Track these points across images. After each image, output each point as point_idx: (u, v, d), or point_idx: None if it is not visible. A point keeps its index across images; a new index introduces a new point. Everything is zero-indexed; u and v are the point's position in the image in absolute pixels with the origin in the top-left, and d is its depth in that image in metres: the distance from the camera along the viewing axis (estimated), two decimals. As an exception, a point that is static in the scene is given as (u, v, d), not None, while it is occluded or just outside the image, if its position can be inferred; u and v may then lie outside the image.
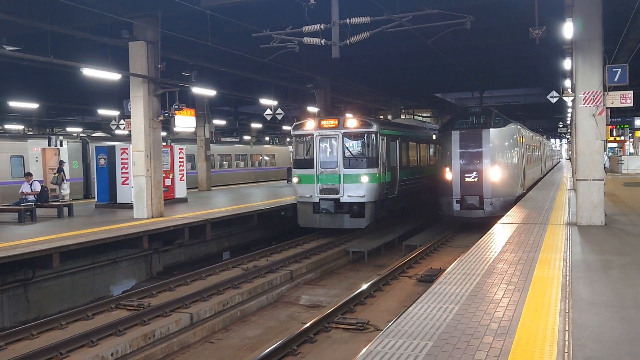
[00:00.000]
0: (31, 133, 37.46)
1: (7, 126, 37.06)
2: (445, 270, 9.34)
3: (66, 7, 14.80)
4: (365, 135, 18.69)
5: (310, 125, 19.17)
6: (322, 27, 13.14)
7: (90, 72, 16.36)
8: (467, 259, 9.51)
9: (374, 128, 18.71)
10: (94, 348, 9.13)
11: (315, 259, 16.04)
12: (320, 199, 18.68)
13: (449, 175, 19.78)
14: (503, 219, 14.67)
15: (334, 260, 16.69)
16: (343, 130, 18.57)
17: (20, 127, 40.24)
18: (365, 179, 18.23)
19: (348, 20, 12.89)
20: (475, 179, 19.27)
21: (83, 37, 17.91)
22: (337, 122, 18.76)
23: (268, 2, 16.06)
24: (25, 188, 18.98)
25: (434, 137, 26.87)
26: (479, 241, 11.29)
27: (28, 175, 19.94)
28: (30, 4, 16.13)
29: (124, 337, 9.60)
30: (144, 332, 9.85)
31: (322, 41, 13.22)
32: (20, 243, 12.73)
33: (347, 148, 18.76)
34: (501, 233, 12.23)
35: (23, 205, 17.90)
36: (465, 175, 19.39)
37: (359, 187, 18.26)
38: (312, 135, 18.92)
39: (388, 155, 19.71)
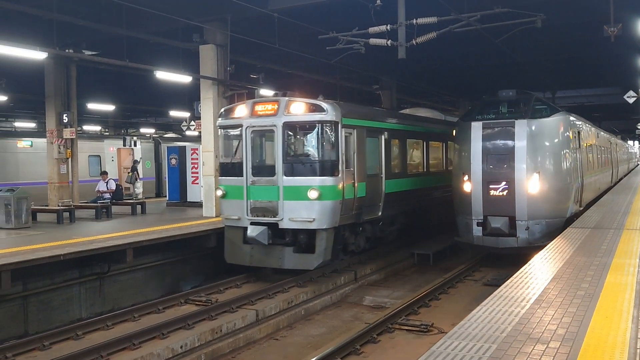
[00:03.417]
0: (107, 134, 39.09)
1: (85, 127, 38.83)
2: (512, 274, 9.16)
3: (140, 12, 15.42)
4: (318, 126, 12.74)
5: (240, 111, 13.46)
6: (388, 27, 13.16)
7: (163, 75, 16.98)
8: (535, 263, 9.29)
9: (331, 115, 12.64)
10: (164, 340, 9.49)
11: (380, 261, 16.01)
12: (251, 223, 13.01)
13: (467, 186, 14.17)
14: (576, 223, 13.92)
15: (399, 262, 16.61)
16: (284, 119, 12.73)
17: (98, 128, 42.06)
18: (314, 193, 12.36)
19: (414, 21, 12.87)
20: (505, 192, 13.74)
21: (156, 41, 18.60)
22: (276, 106, 12.89)
23: (334, 4, 16.18)
24: (102, 186, 19.88)
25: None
26: (548, 245, 11.00)
27: (104, 174, 20.88)
28: (108, 10, 16.89)
29: (193, 331, 9.93)
30: (211, 327, 10.16)
31: (388, 42, 13.24)
32: (97, 238, 13.36)
33: (289, 146, 13.22)
34: (572, 237, 11.87)
35: (99, 203, 18.77)
36: (490, 186, 13.86)
37: (307, 206, 12.49)
38: (242, 126, 13.33)
39: (361, 158, 13.77)
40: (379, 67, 26.41)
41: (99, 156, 26.78)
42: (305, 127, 13.15)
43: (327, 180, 12.61)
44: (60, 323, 11.65)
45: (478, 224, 14.03)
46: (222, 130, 14.06)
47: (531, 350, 5.24)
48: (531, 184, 13.59)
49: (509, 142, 13.81)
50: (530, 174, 13.58)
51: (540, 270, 8.73)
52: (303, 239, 12.87)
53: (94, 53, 20.16)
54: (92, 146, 26.90)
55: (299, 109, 12.77)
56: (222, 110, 14.23)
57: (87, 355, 8.68)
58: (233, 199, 13.32)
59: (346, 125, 13.11)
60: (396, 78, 29.73)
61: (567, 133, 14.74)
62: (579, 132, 16.33)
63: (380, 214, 14.92)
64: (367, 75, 27.73)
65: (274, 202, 12.78)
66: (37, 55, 14.93)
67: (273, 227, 12.83)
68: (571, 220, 14.19)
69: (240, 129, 13.32)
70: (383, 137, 15.17)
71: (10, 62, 19.13)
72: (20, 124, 39.30)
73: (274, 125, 12.85)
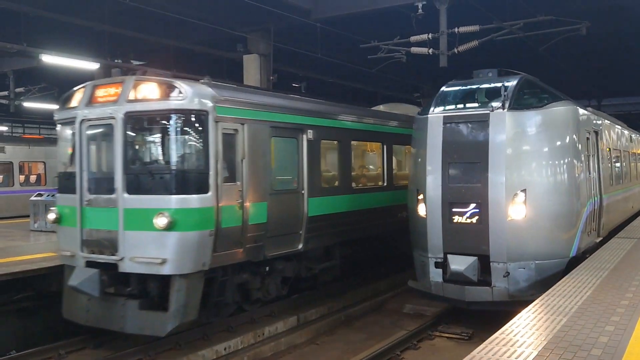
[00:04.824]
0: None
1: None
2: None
3: (186, 23, 15.88)
4: (174, 118, 8.89)
5: (77, 98, 9.72)
6: (429, 36, 13.26)
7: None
8: (579, 272, 9.20)
9: (193, 101, 8.82)
10: (207, 342, 9.73)
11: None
12: (86, 262, 9.17)
13: (421, 208, 10.30)
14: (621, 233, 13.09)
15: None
16: (126, 108, 8.97)
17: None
18: (163, 220, 8.51)
19: (456, 29, 12.94)
20: (474, 219, 9.69)
21: (201, 51, 19.07)
22: (119, 89, 9.12)
23: (376, 14, 16.34)
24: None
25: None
26: (592, 255, 10.85)
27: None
28: (155, 21, 17.43)
29: (235, 334, 10.14)
30: (254, 330, 10.36)
31: (430, 50, 13.33)
32: None
33: (134, 149, 9.55)
34: (618, 246, 11.67)
35: None
36: (454, 209, 9.85)
37: (155, 240, 8.67)
38: (75, 120, 9.55)
39: (258, 166, 9.95)
40: (420, 76, 26.43)
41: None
42: (155, 120, 9.27)
43: (188, 201, 8.70)
44: None
45: (436, 265, 10.04)
46: (59, 127, 10.21)
47: (572, 357, 5.25)
48: (514, 207, 9.45)
49: (482, 145, 9.65)
50: (512, 191, 9.46)
51: (584, 280, 8.64)
52: (154, 289, 9.06)
53: (141, 63, 20.78)
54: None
55: (149, 92, 8.90)
56: (62, 97, 10.21)
57: None
58: (67, 226, 9.60)
59: (226, 118, 9.24)
60: (437, 86, 29.61)
61: (576, 132, 10.45)
62: (596, 133, 12.26)
63: (301, 246, 10.99)
64: (408, 84, 27.76)
65: (113, 232, 8.93)
66: (90, 65, 15.44)
67: (109, 270, 8.98)
68: (579, 260, 10.14)
69: (73, 123, 9.59)
70: (305, 137, 11.14)
71: (61, 72, 19.91)
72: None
73: (113, 118, 9.01)
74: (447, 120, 10.09)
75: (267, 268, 10.68)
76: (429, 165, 10.11)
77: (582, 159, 10.63)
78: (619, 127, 16.66)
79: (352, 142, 13.08)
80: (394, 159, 14.82)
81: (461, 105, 10.47)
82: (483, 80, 10.86)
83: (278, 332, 10.70)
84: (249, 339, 10.11)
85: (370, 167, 14.90)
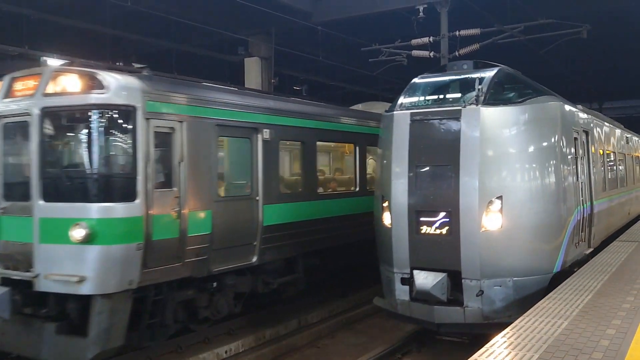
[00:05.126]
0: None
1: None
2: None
3: (188, 26, 15.93)
4: (94, 114, 7.86)
5: None
6: (431, 39, 13.31)
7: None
8: (579, 276, 9.20)
9: (117, 95, 7.83)
10: (209, 345, 9.74)
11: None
12: (1, 279, 8.12)
13: (386, 217, 9.05)
14: (622, 236, 12.99)
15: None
16: (42, 102, 7.97)
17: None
18: (80, 232, 7.55)
19: (457, 33, 12.98)
20: (444, 230, 8.53)
21: (203, 54, 19.13)
22: (37, 81, 8.14)
23: (377, 17, 16.39)
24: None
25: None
26: (592, 260, 10.85)
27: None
28: (157, 24, 17.49)
29: (236, 337, 10.14)
30: (254, 333, 10.36)
31: (431, 53, 13.37)
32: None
33: (51, 149, 8.41)
34: (619, 250, 11.66)
35: None
36: (421, 218, 8.65)
37: (73, 255, 7.69)
38: None
39: (200, 169, 8.85)
40: (421, 79, 26.45)
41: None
42: (74, 117, 8.21)
43: (111, 210, 7.71)
44: None
45: (403, 281, 8.81)
46: None
47: (577, 357, 5.26)
48: (488, 216, 8.30)
49: (453, 145, 8.48)
50: (487, 198, 8.29)
51: (585, 284, 8.63)
52: (73, 311, 7.92)
53: (142, 66, 20.80)
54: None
55: (69, 84, 7.93)
56: None
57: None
58: None
59: (159, 115, 8.19)
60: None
61: (561, 131, 9.26)
62: (586, 133, 11.25)
63: (255, 259, 9.88)
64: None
65: (28, 244, 7.89)
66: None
67: (22, 288, 7.92)
68: (566, 275, 9.02)
69: None
70: (260, 137, 10.02)
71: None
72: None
73: (28, 114, 8.02)
74: (414, 117, 8.85)
75: (215, 284, 9.46)
76: (395, 169, 8.90)
77: (569, 161, 9.51)
78: (614, 127, 15.44)
79: (319, 143, 11.97)
80: (368, 161, 13.58)
81: (432, 101, 9.24)
82: (457, 73, 9.70)
83: (279, 335, 10.70)
84: (249, 341, 10.13)
85: (342, 170, 13.83)
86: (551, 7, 14.31)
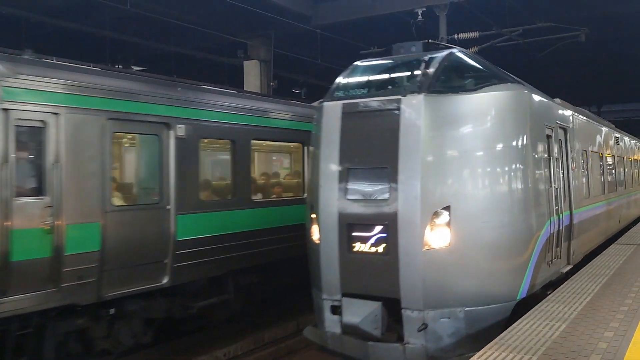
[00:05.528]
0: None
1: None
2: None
3: (187, 29, 15.96)
4: None
5: None
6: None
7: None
8: (578, 279, 9.20)
9: None
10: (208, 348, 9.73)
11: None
12: None
13: (315, 231, 7.40)
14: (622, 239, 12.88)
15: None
16: None
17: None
18: None
19: (456, 36, 13.00)
20: (380, 247, 6.84)
21: (202, 57, 19.15)
22: None
23: (376, 20, 16.42)
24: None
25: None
26: (592, 261, 10.85)
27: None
28: (157, 27, 17.50)
29: (235, 340, 10.14)
30: (253, 337, 10.36)
31: (430, 57, 13.36)
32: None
33: None
34: (617, 253, 11.67)
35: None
36: (354, 233, 7.00)
37: None
38: None
39: (81, 173, 7.42)
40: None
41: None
42: None
43: None
44: None
45: (334, 310, 7.17)
46: None
47: (575, 359, 5.26)
48: (434, 231, 6.69)
49: (390, 143, 6.83)
50: (432, 208, 6.69)
51: (583, 286, 8.64)
52: None
53: (141, 69, 20.84)
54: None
55: None
56: None
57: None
58: None
59: (23, 104, 6.83)
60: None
61: (528, 126, 7.54)
62: (565, 130, 9.56)
63: (166, 280, 8.39)
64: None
65: None
66: (89, 71, 15.49)
67: None
68: (537, 300, 7.50)
69: None
70: (172, 134, 8.55)
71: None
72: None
73: None
74: (347, 109, 7.23)
75: (113, 310, 7.96)
76: (323, 172, 7.26)
77: (539, 163, 7.80)
78: (601, 125, 13.65)
79: (254, 142, 10.43)
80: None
81: (369, 88, 7.57)
82: (404, 56, 7.99)
83: (277, 338, 10.69)
84: (248, 344, 10.13)
85: (285, 174, 12.20)
86: (550, 10, 14.34)
